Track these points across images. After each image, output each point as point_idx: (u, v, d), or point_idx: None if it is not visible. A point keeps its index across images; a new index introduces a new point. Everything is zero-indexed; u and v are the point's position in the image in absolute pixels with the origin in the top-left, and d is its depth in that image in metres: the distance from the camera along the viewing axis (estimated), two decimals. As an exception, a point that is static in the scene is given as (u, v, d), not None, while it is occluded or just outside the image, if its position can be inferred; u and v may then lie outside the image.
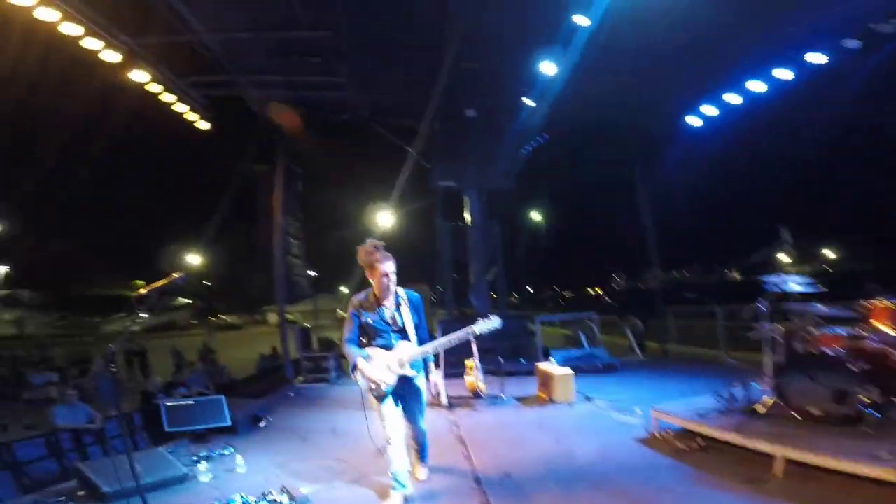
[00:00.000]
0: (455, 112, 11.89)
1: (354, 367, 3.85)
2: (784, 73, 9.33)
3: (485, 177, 11.66)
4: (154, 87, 8.90)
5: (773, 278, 4.99)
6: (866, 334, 4.47)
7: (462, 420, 6.37)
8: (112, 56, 7.84)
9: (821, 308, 4.78)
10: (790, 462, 3.85)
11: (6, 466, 5.40)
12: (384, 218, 14.22)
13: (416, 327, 3.99)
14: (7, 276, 47.27)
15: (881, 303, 4.53)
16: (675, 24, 8.27)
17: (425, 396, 4.11)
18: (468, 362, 7.28)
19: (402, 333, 3.94)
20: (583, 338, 10.67)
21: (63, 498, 4.12)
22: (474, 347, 7.08)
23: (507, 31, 8.97)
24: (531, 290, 25.68)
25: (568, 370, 7.17)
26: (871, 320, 4.56)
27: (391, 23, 8.56)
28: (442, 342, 3.95)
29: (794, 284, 4.88)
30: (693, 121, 11.41)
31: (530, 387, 7.64)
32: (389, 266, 3.87)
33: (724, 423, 4.61)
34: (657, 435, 5.11)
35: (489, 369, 7.68)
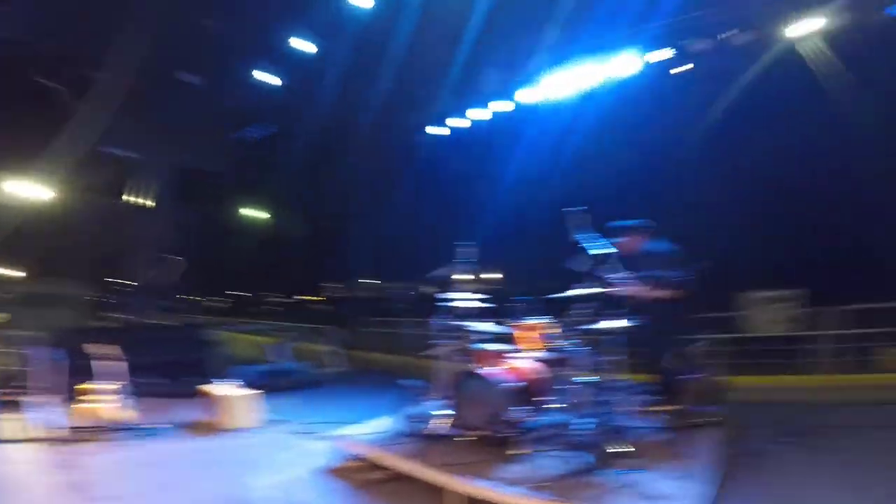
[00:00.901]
0: (162, 72, 9.58)
1: None
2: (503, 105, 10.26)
3: (182, 152, 9.58)
4: None
5: (445, 294, 4.84)
6: (517, 353, 4.57)
7: (85, 460, 4.59)
8: None
9: (481, 326, 4.78)
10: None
11: None
12: (31, 189, 10.61)
13: None
14: None
15: (528, 323, 4.64)
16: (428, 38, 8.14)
17: None
18: (86, 385, 5.42)
19: None
20: (280, 350, 9.62)
21: None
22: (99, 365, 5.30)
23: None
24: (244, 295, 23.24)
25: (249, 390, 5.98)
26: (519, 339, 4.68)
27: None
28: None
29: (462, 301, 4.79)
30: (436, 131, 11.60)
31: (205, 411, 6.15)
32: None
33: (406, 450, 4.16)
34: (347, 465, 4.39)
35: (148, 391, 5.91)
